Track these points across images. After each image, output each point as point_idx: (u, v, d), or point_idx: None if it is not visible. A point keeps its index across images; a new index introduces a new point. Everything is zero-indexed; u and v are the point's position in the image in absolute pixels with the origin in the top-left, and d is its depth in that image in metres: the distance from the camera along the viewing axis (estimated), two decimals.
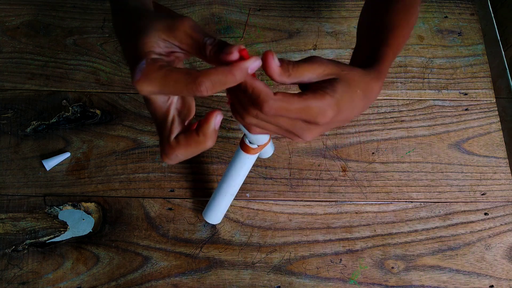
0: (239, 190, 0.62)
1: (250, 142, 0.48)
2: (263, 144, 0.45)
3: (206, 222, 0.61)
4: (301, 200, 0.63)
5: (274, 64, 0.30)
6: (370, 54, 0.39)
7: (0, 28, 0.72)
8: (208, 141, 0.30)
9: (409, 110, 0.68)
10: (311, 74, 0.32)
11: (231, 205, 0.62)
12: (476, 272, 0.60)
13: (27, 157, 0.64)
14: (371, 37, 0.42)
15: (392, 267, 0.60)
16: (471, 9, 0.75)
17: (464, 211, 0.63)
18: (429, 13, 0.75)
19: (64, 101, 0.67)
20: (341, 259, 0.60)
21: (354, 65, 0.36)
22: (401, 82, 0.70)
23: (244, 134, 0.48)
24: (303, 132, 0.33)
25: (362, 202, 0.63)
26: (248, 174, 0.63)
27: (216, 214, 0.57)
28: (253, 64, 0.28)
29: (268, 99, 0.29)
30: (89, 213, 0.62)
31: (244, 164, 0.52)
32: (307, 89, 0.33)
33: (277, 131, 0.33)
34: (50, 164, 0.63)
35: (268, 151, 0.60)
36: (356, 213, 0.62)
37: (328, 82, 0.32)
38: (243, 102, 0.31)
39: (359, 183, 0.64)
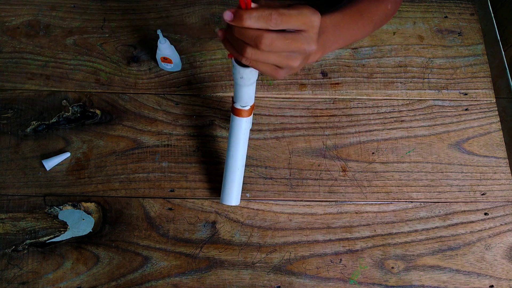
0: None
1: (242, 106, 0.52)
2: (254, 79, 0.47)
3: (206, 222, 0.61)
4: (301, 200, 0.63)
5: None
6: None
7: (0, 28, 0.72)
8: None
9: (409, 110, 0.68)
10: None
11: (231, 205, 0.62)
12: (476, 272, 0.60)
13: (27, 157, 0.64)
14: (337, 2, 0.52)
15: (392, 267, 0.60)
16: (471, 9, 0.75)
17: (464, 211, 0.63)
18: (429, 13, 0.75)
19: (64, 101, 0.67)
20: (341, 259, 0.60)
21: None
22: (401, 82, 0.70)
23: (233, 102, 0.53)
24: (307, 40, 0.38)
25: (362, 202, 0.63)
26: (248, 174, 0.63)
27: (233, 194, 0.58)
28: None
29: (273, 11, 0.35)
30: (89, 213, 0.62)
31: (241, 130, 0.54)
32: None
33: (285, 47, 0.37)
34: (50, 164, 0.63)
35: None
36: (356, 213, 0.62)
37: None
38: (250, 33, 0.36)
39: (359, 183, 0.64)
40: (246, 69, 0.44)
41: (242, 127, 0.54)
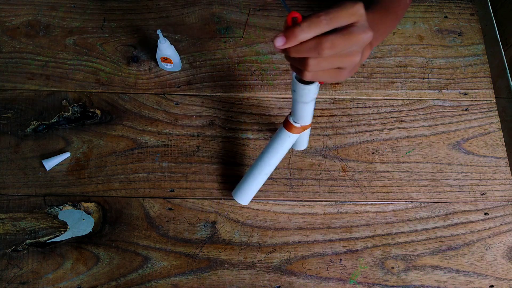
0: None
1: (294, 121, 0.52)
2: (311, 97, 0.47)
3: (206, 222, 0.61)
4: (301, 200, 0.63)
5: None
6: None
7: (0, 28, 0.72)
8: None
9: (409, 110, 0.68)
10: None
11: (231, 205, 0.62)
12: (476, 272, 0.60)
13: (27, 157, 0.64)
14: None
15: (392, 267, 0.60)
16: (471, 9, 0.75)
17: (464, 211, 0.63)
18: (429, 13, 0.75)
19: (64, 101, 0.67)
20: (341, 259, 0.60)
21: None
22: (401, 82, 0.70)
23: (289, 115, 0.52)
24: (343, 76, 0.39)
25: (362, 202, 0.63)
26: None
27: (247, 194, 0.58)
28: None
29: (323, 40, 0.35)
30: (89, 213, 0.62)
31: (284, 143, 0.54)
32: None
33: (332, 64, 0.38)
34: (50, 164, 0.63)
35: (304, 140, 0.61)
36: (356, 213, 0.62)
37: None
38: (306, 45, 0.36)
39: (359, 183, 0.64)
40: (309, 85, 0.43)
41: (286, 141, 0.54)
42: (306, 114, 0.49)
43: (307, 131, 0.58)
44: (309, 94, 0.44)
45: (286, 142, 0.54)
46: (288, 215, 0.62)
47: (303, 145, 0.63)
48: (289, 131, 0.53)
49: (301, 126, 0.52)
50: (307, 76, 0.38)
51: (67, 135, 0.65)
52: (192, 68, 0.70)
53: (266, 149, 0.56)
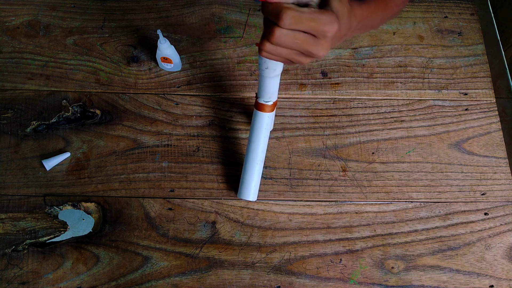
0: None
1: (264, 101, 0.54)
2: (278, 71, 0.49)
3: (206, 222, 0.61)
4: (301, 200, 0.63)
5: None
6: None
7: (0, 28, 0.72)
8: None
9: (409, 110, 0.68)
10: None
11: (231, 205, 0.62)
12: (476, 272, 0.60)
13: (27, 157, 0.64)
14: None
15: (392, 267, 0.60)
16: (471, 9, 0.75)
17: (464, 211, 0.63)
18: (429, 13, 0.75)
19: (64, 101, 0.67)
20: (341, 259, 0.60)
21: None
22: (401, 82, 0.70)
23: (258, 98, 0.54)
24: (316, 47, 0.38)
25: (362, 202, 0.63)
26: None
27: (251, 188, 0.58)
28: None
29: (285, 10, 0.36)
30: (89, 213, 0.62)
31: (263, 125, 0.55)
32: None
33: (294, 46, 0.38)
34: (50, 164, 0.63)
35: (272, 121, 0.62)
36: (356, 213, 0.62)
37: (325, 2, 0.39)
38: (268, 25, 0.38)
39: (359, 183, 0.64)
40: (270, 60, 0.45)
41: (264, 122, 0.56)
42: (274, 89, 0.52)
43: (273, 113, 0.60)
44: (276, 69, 0.47)
45: (264, 123, 0.56)
46: (288, 215, 0.62)
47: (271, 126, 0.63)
48: (263, 111, 0.55)
49: (273, 103, 0.54)
50: (267, 47, 0.39)
51: (67, 135, 0.65)
52: (192, 68, 0.70)
53: (249, 139, 0.57)
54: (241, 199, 0.59)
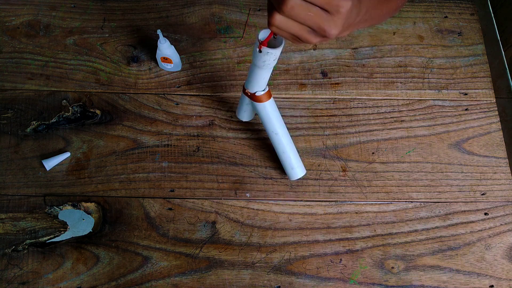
0: (240, 189, 0.62)
1: (259, 92, 0.55)
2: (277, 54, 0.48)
3: (206, 222, 0.61)
4: (301, 200, 0.63)
5: None
6: None
7: (0, 28, 0.72)
8: None
9: (409, 110, 0.68)
10: None
11: (231, 205, 0.62)
12: (476, 272, 0.60)
13: (27, 157, 0.64)
14: None
15: (392, 267, 0.60)
16: (471, 9, 0.75)
17: (464, 211, 0.63)
18: (429, 13, 0.75)
19: (64, 101, 0.67)
20: (341, 259, 0.60)
21: None
22: (401, 82, 0.70)
23: (249, 93, 0.55)
24: (328, 24, 0.37)
25: (362, 202, 0.63)
26: (248, 174, 0.63)
27: (295, 167, 0.60)
28: None
29: None
30: (89, 213, 0.62)
31: (269, 112, 0.56)
32: None
33: (307, 19, 0.36)
34: (50, 164, 0.63)
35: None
36: (356, 213, 0.62)
37: None
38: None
39: (359, 183, 0.64)
40: (274, 50, 0.45)
41: (269, 109, 0.56)
42: (267, 79, 0.53)
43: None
44: (270, 58, 0.47)
45: (269, 110, 0.56)
46: (288, 215, 0.62)
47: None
48: (262, 101, 0.55)
49: (267, 91, 0.55)
50: (277, 20, 0.37)
51: (67, 135, 0.65)
52: (192, 68, 0.70)
53: (268, 131, 0.58)
54: (296, 179, 0.61)
